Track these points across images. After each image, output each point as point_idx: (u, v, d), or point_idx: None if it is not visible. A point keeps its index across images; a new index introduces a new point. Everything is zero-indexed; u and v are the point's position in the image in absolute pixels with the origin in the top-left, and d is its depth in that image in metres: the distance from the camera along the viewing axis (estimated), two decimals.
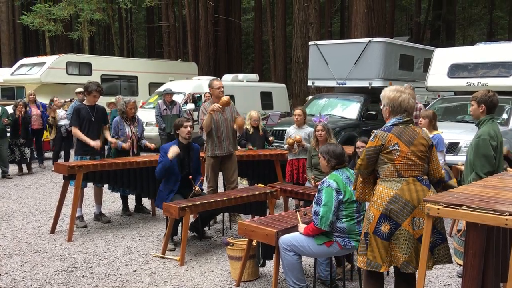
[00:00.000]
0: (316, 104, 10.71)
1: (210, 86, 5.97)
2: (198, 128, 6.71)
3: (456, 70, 8.85)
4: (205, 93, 12.16)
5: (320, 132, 5.90)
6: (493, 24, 31.33)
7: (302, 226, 3.76)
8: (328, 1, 27.02)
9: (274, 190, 5.43)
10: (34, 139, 10.18)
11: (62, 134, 10.17)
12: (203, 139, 6.15)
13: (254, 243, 4.17)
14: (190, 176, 5.31)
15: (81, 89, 9.38)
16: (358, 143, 5.64)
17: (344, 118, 9.84)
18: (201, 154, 6.43)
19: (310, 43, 11.94)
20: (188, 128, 5.38)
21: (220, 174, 6.23)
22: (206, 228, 5.77)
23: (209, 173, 5.97)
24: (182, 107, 11.16)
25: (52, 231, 5.79)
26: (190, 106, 12.82)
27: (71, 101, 11.30)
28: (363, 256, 3.20)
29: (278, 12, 23.62)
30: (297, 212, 4.11)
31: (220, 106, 5.65)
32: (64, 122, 10.15)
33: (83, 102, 6.27)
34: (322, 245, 3.63)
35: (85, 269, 4.60)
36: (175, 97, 10.94)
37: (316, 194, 3.65)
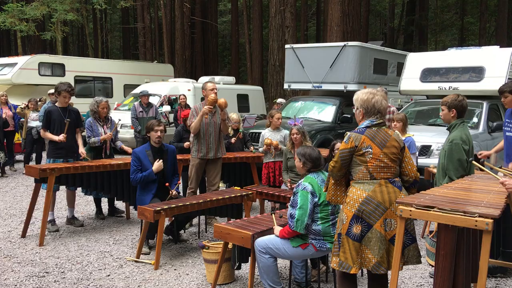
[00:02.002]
0: (292, 106, 10.78)
1: (203, 88, 5.99)
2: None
3: (428, 74, 9.03)
4: (180, 95, 12.11)
5: (295, 135, 5.92)
6: (464, 29, 32.10)
7: (277, 229, 3.77)
8: (304, 5, 27.23)
9: (250, 192, 5.43)
10: (5, 141, 9.95)
11: (33, 136, 9.95)
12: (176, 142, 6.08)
13: (230, 246, 4.16)
14: (167, 184, 5.27)
15: (53, 91, 9.20)
16: (338, 145, 5.61)
17: (319, 121, 9.92)
18: (187, 156, 6.35)
19: (286, 46, 12.01)
20: (159, 133, 5.32)
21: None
22: (182, 231, 5.73)
23: (192, 174, 5.93)
24: (158, 109, 11.05)
25: (23, 235, 5.65)
26: (166, 108, 12.71)
27: (40, 100, 11.05)
28: (336, 257, 3.23)
29: (255, 15, 23.68)
30: (273, 214, 4.13)
31: (211, 107, 5.72)
32: (36, 123, 9.93)
33: (55, 104, 6.13)
34: (298, 248, 3.65)
35: (57, 274, 4.51)
36: (150, 99, 10.83)
37: (292, 197, 3.67)
